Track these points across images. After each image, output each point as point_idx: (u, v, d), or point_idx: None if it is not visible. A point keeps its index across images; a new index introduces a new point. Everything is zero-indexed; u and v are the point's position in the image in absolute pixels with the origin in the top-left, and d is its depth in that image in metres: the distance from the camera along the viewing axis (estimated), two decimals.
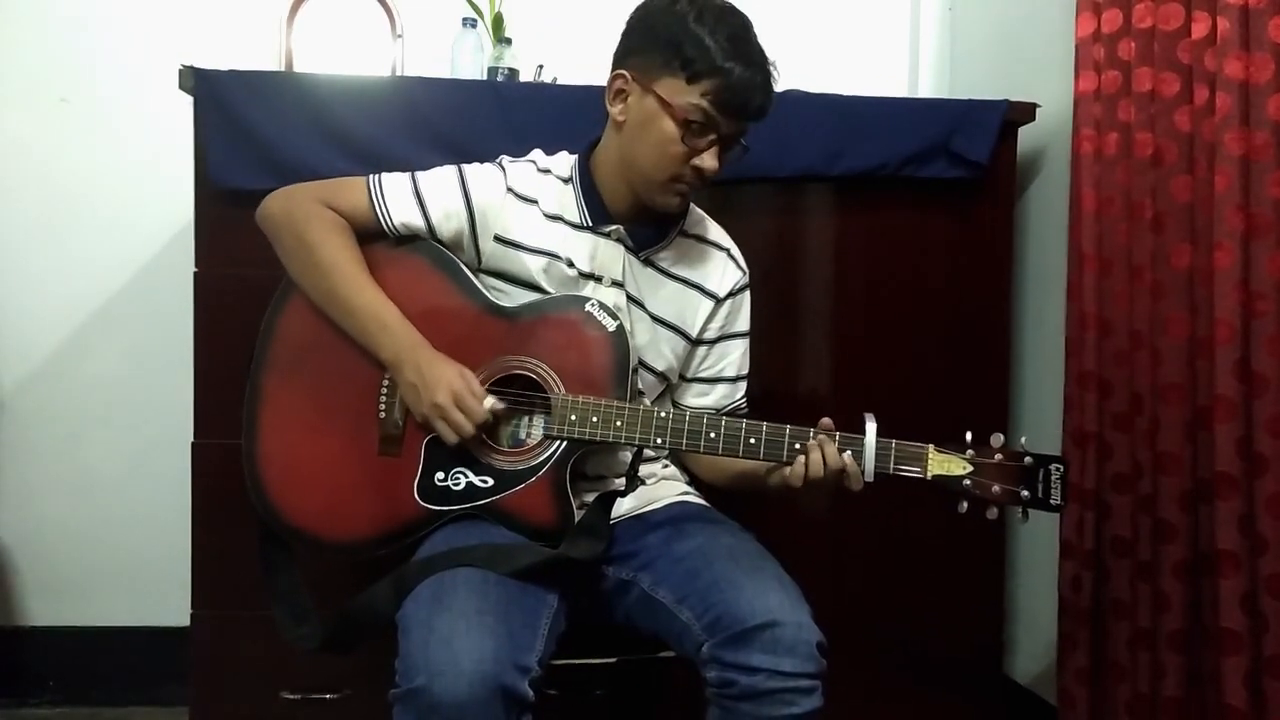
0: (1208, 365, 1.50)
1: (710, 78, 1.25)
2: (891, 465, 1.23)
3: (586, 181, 1.40)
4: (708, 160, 1.29)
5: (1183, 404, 1.56)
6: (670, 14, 1.28)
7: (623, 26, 1.35)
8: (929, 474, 1.23)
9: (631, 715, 1.70)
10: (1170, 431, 1.58)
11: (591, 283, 1.38)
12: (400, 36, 1.95)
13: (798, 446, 1.24)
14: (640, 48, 1.30)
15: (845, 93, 1.85)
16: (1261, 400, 1.43)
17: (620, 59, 1.34)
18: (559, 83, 1.93)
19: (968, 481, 1.23)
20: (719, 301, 1.45)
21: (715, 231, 1.49)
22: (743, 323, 1.49)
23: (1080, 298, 1.75)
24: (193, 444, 1.73)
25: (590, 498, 1.34)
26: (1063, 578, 1.79)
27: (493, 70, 1.95)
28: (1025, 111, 1.87)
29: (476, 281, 1.37)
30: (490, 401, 1.28)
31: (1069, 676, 1.78)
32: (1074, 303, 1.77)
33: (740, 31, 1.28)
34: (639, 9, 1.34)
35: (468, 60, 1.97)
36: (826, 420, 1.25)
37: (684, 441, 1.27)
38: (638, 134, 1.31)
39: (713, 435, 1.26)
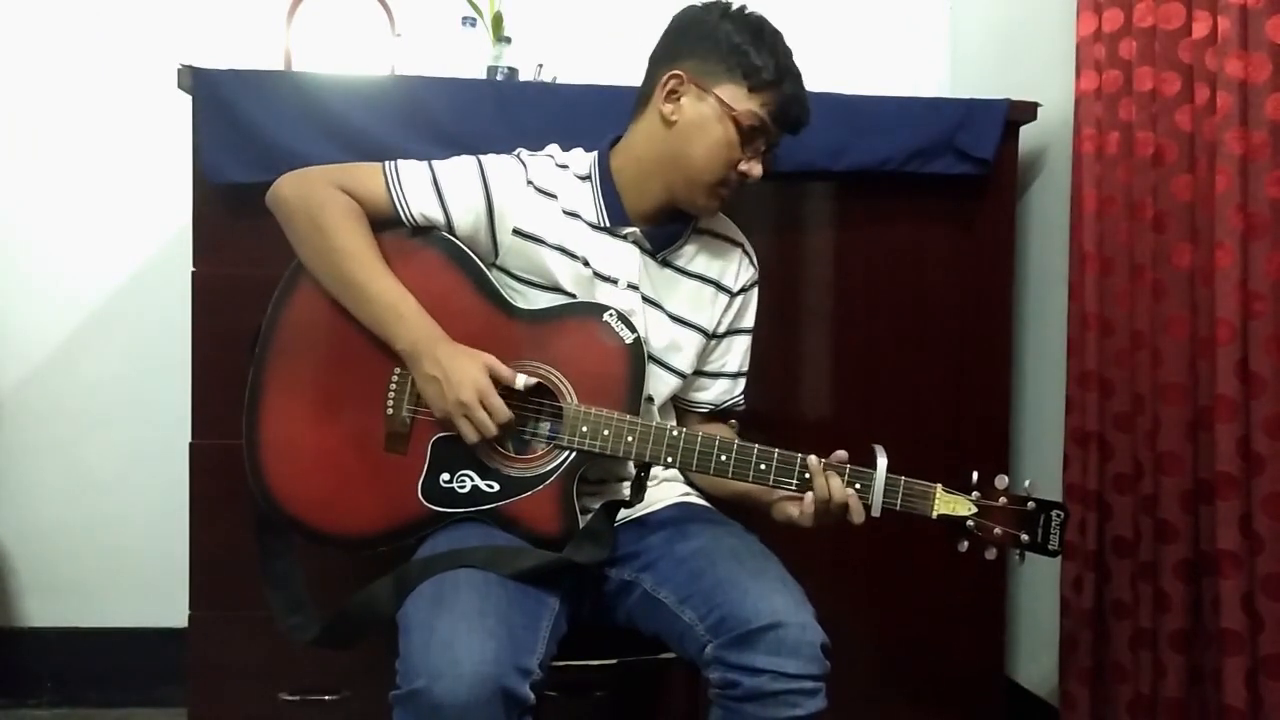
0: (1209, 365, 1.50)
1: (770, 90, 1.32)
2: (899, 502, 1.25)
3: (606, 180, 1.39)
4: (755, 167, 1.34)
5: (1184, 404, 1.56)
6: (729, 21, 1.33)
7: (667, 24, 1.39)
8: (934, 513, 1.25)
9: (632, 716, 1.70)
10: (1171, 431, 1.57)
11: (607, 284, 1.37)
12: (399, 35, 1.94)
13: (808, 475, 1.24)
14: (698, 51, 1.33)
15: (847, 91, 1.85)
16: (1259, 400, 1.43)
17: (670, 59, 1.35)
18: (559, 82, 1.92)
19: (971, 523, 1.25)
20: (732, 296, 1.46)
21: (729, 227, 1.50)
22: (749, 319, 1.50)
23: (1081, 297, 1.75)
24: (191, 444, 1.73)
25: (592, 502, 1.33)
26: (1064, 579, 1.78)
27: (492, 69, 1.94)
28: (1026, 111, 1.87)
29: (494, 280, 1.34)
30: (522, 380, 1.26)
31: (1071, 677, 1.78)
32: (1075, 302, 1.77)
33: (788, 53, 1.35)
34: (688, 12, 1.38)
35: (467, 59, 1.96)
36: (841, 453, 1.26)
37: (694, 462, 1.27)
38: (692, 134, 1.32)
39: (724, 458, 1.26)
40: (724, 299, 1.45)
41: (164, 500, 2.02)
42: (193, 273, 1.72)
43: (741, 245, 1.49)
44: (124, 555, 2.15)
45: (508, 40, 1.98)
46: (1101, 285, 1.72)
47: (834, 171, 1.80)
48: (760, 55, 1.31)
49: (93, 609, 2.16)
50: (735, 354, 1.49)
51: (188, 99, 1.69)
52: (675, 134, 1.34)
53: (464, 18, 1.98)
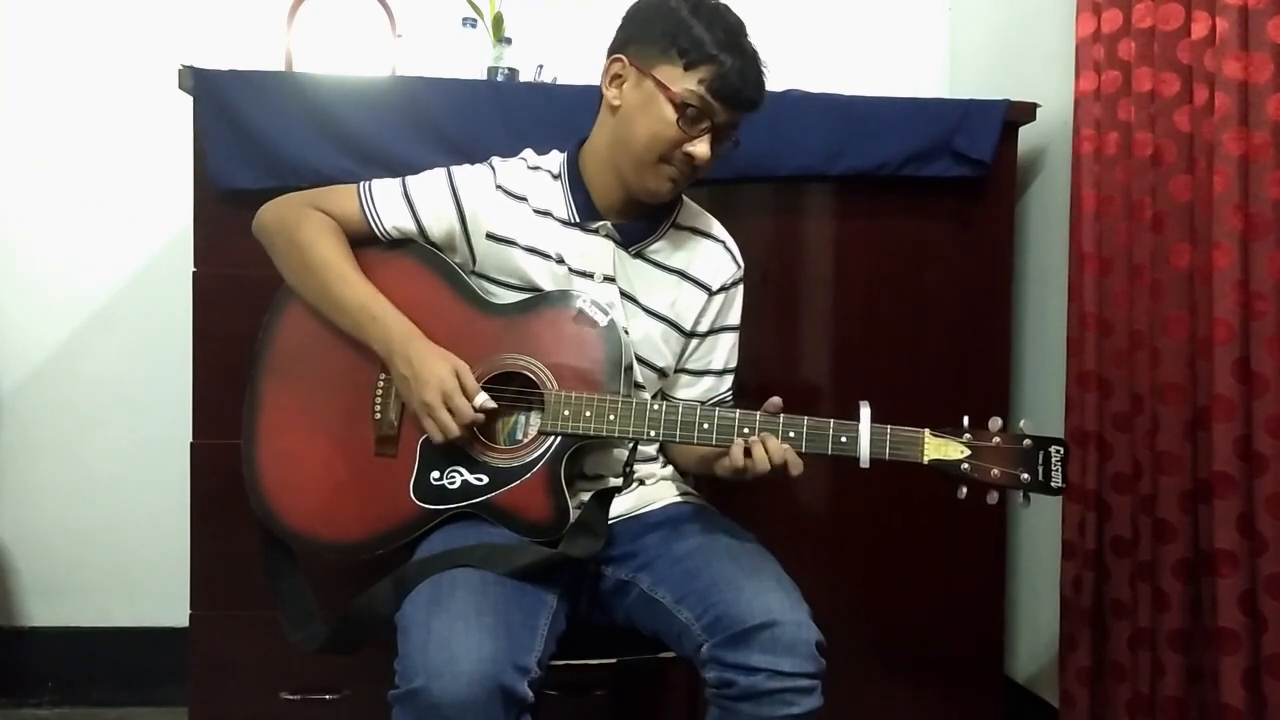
0: (1207, 365, 1.50)
1: (706, 66, 1.28)
2: (887, 451, 1.22)
3: (575, 177, 1.40)
4: (700, 147, 1.31)
5: (1182, 404, 1.56)
6: (668, 5, 1.31)
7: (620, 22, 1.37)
8: (925, 459, 1.22)
9: (631, 715, 1.71)
10: (1170, 431, 1.57)
11: (583, 280, 1.38)
12: (400, 36, 1.95)
13: (792, 434, 1.24)
14: (638, 36, 1.33)
15: (845, 93, 1.85)
16: (1261, 400, 1.43)
17: (617, 47, 1.35)
18: (559, 82, 1.93)
19: (966, 465, 1.22)
20: (712, 294, 1.44)
21: (710, 223, 1.49)
22: (734, 316, 1.49)
23: (1080, 297, 1.75)
24: (192, 444, 1.73)
25: (588, 497, 1.34)
26: (1064, 578, 1.79)
27: (493, 70, 1.95)
28: (1025, 111, 1.88)
29: (470, 281, 1.37)
30: (481, 399, 1.28)
31: (1070, 676, 1.78)
32: (1074, 302, 1.77)
33: (734, 26, 1.31)
34: (636, 3, 1.37)
35: (468, 60, 1.97)
36: (775, 400, 1.24)
37: (678, 433, 1.27)
38: (634, 116, 1.32)
39: (705, 427, 1.26)
40: (702, 296, 1.44)
41: (164, 500, 2.03)
42: (193, 273, 1.72)
43: (723, 242, 1.48)
44: (124, 555, 2.16)
45: (508, 41, 1.99)
46: (1100, 285, 1.72)
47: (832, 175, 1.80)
48: (696, 31, 1.27)
49: (93, 609, 2.16)
50: (721, 351, 1.47)
51: (189, 99, 1.70)
52: (620, 119, 1.34)
53: (464, 19, 1.99)
